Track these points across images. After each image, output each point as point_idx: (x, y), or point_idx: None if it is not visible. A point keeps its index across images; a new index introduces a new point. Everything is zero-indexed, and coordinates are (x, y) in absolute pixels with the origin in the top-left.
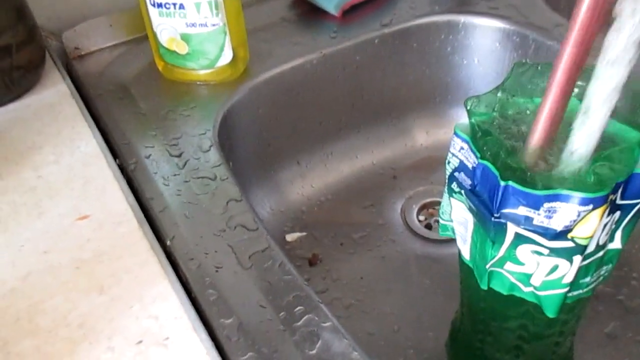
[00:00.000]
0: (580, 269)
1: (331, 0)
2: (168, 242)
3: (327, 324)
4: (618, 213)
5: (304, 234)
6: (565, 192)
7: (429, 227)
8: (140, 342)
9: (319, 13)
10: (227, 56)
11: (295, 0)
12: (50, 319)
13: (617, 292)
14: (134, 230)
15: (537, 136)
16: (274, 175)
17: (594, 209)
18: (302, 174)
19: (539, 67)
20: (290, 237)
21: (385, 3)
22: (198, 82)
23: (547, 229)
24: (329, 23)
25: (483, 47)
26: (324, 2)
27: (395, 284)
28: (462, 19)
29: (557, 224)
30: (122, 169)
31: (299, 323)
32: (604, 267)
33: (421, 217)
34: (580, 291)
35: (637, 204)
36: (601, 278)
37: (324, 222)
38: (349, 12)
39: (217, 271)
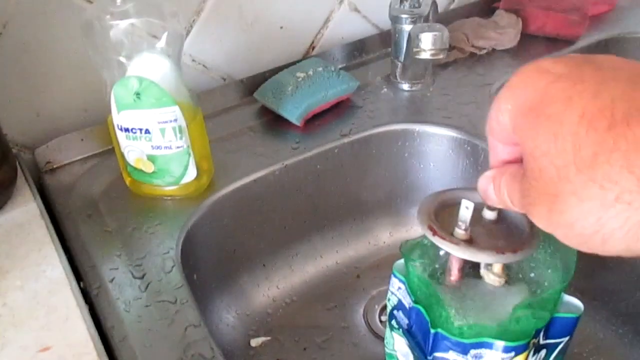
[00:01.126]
0: None
1: (294, 112)
2: None
3: None
4: (543, 351)
5: (269, 338)
6: (488, 340)
7: None
8: None
9: (282, 122)
10: (191, 174)
11: (261, 109)
12: None
13: None
14: None
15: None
16: (240, 279)
17: (516, 355)
18: (268, 276)
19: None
20: (254, 342)
21: (345, 112)
22: (164, 197)
23: None
24: (291, 133)
25: (438, 153)
26: (287, 114)
27: None
28: (417, 127)
29: None
30: (86, 294)
31: None
32: None
33: (383, 318)
34: None
35: (560, 342)
36: None
37: (289, 326)
38: (310, 121)
39: None
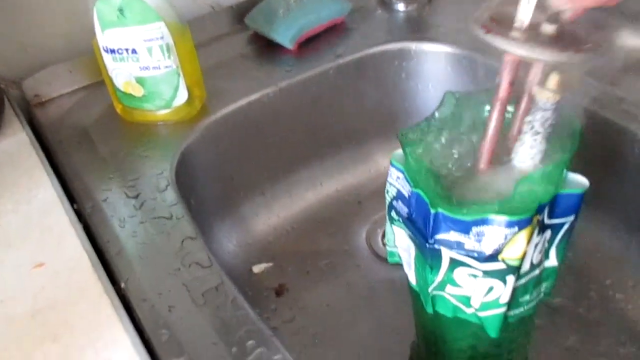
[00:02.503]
0: (517, 288)
1: (286, 35)
2: (122, 285)
3: (278, 356)
4: (549, 232)
5: (271, 264)
6: (490, 216)
7: None
8: None
9: (275, 48)
10: (182, 96)
11: (252, 36)
12: None
13: (575, 304)
14: (88, 275)
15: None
16: (239, 207)
17: (519, 230)
18: (268, 205)
19: (470, 96)
20: (257, 269)
21: (339, 34)
22: (156, 123)
23: (478, 252)
24: (285, 57)
25: (435, 71)
26: (279, 37)
27: (361, 309)
28: (413, 46)
29: (487, 247)
30: (80, 214)
31: (250, 357)
32: (543, 285)
33: (386, 241)
34: (522, 309)
35: (565, 222)
36: (542, 295)
37: (291, 252)
38: (304, 45)
39: (170, 311)
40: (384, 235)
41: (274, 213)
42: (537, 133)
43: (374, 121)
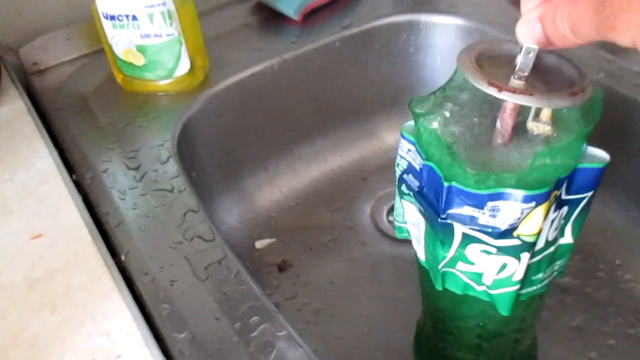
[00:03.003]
0: (530, 265)
1: (291, 5)
2: (123, 257)
3: (282, 333)
4: (565, 208)
5: (274, 240)
6: (507, 190)
7: None
8: None
9: (279, 18)
10: (184, 65)
11: (256, 5)
12: (1, 339)
13: (583, 284)
14: (87, 246)
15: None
16: (242, 182)
17: (537, 205)
18: (271, 180)
19: None
20: (259, 244)
21: (346, 5)
22: (157, 93)
23: (492, 227)
24: (289, 28)
25: (445, 45)
26: (284, 7)
27: (365, 286)
28: (423, 18)
29: (502, 223)
30: (78, 185)
31: (254, 334)
32: (557, 262)
33: (391, 218)
34: (534, 287)
35: (583, 198)
36: (555, 273)
37: (294, 227)
38: (309, 16)
39: (172, 285)
40: (389, 212)
41: (277, 188)
42: None
43: (381, 96)
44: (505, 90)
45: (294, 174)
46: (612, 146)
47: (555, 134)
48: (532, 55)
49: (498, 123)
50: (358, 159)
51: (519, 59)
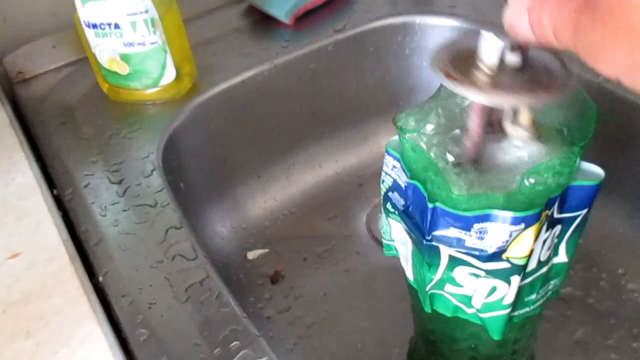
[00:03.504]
0: (523, 287)
1: (282, 8)
2: (100, 278)
3: (264, 359)
4: (558, 227)
5: (266, 250)
6: (494, 211)
7: None
8: None
9: (270, 22)
10: (170, 74)
11: (247, 9)
12: None
13: (585, 295)
14: (65, 267)
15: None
16: (234, 190)
17: (526, 227)
18: (264, 188)
19: None
20: (251, 255)
21: (339, 8)
22: (144, 102)
23: (480, 250)
24: (281, 31)
25: None
26: (275, 10)
27: (360, 298)
28: (418, 19)
29: (490, 245)
30: (59, 200)
31: None
32: (552, 282)
33: None
34: (527, 309)
35: (577, 216)
36: (550, 293)
37: (287, 237)
38: (301, 19)
39: (150, 307)
40: None
41: (271, 196)
42: None
43: (375, 100)
44: (464, 83)
45: (288, 182)
46: (614, 151)
47: (544, 150)
48: (497, 49)
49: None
50: (354, 165)
51: (482, 51)
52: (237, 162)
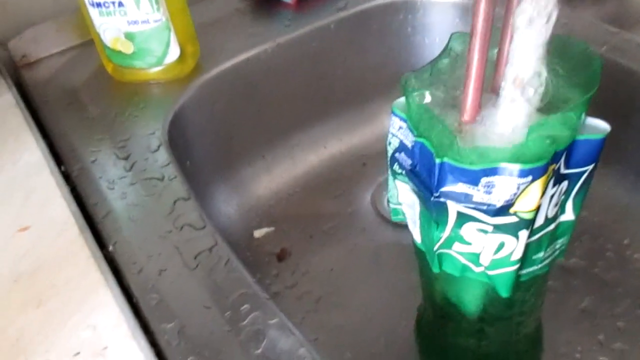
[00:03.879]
0: (530, 244)
1: None
2: (110, 248)
3: (274, 320)
4: (565, 183)
5: (272, 229)
6: (502, 164)
7: None
8: (78, 353)
9: (273, 2)
10: (174, 53)
11: None
12: None
13: (591, 265)
14: (74, 239)
15: (468, 111)
16: (239, 171)
17: (534, 180)
18: (268, 168)
19: None
20: (257, 233)
21: None
22: (148, 82)
23: (488, 205)
24: (283, 11)
25: (443, 24)
26: None
27: (366, 273)
28: None
29: (497, 199)
30: (67, 177)
31: (244, 322)
32: (559, 241)
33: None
34: (535, 267)
35: (584, 172)
36: (557, 252)
37: (293, 216)
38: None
39: (160, 274)
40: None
41: (275, 176)
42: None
43: (379, 79)
44: None
45: (292, 162)
46: (617, 121)
47: (550, 102)
48: None
49: None
50: (357, 145)
51: None
52: (242, 142)
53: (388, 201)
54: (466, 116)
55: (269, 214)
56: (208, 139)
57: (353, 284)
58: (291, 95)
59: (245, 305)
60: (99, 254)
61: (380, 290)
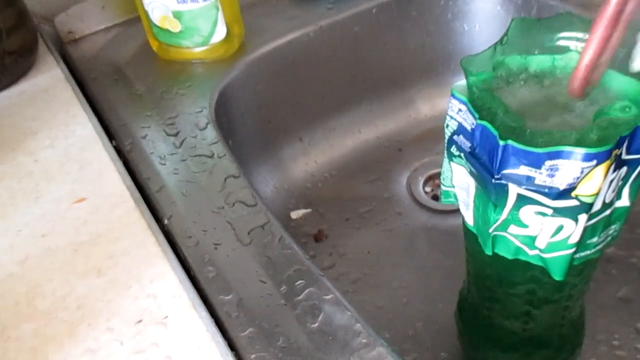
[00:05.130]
0: (586, 228)
1: None
2: (166, 221)
3: (329, 296)
4: (624, 169)
5: (309, 210)
6: (567, 148)
7: (435, 198)
8: (140, 321)
9: None
10: (220, 32)
11: None
12: (49, 302)
13: (630, 254)
14: (130, 211)
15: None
16: (277, 152)
17: (597, 164)
18: (305, 151)
19: (540, 22)
20: (295, 215)
21: None
22: (193, 61)
23: (550, 188)
24: None
25: (484, 11)
26: None
27: (403, 256)
28: None
29: (560, 182)
30: (119, 151)
31: (300, 297)
32: (612, 227)
33: (427, 189)
34: (588, 252)
35: None
36: (609, 238)
37: (329, 198)
38: None
39: (215, 248)
40: (425, 183)
41: (312, 159)
42: None
43: (417, 65)
44: None
45: (329, 145)
46: None
47: (617, 87)
48: None
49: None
50: (393, 130)
51: None
52: (281, 124)
53: (440, 183)
54: (574, 91)
55: (305, 196)
56: (249, 120)
57: (390, 267)
58: (330, 79)
59: (300, 281)
60: (155, 226)
61: (417, 273)
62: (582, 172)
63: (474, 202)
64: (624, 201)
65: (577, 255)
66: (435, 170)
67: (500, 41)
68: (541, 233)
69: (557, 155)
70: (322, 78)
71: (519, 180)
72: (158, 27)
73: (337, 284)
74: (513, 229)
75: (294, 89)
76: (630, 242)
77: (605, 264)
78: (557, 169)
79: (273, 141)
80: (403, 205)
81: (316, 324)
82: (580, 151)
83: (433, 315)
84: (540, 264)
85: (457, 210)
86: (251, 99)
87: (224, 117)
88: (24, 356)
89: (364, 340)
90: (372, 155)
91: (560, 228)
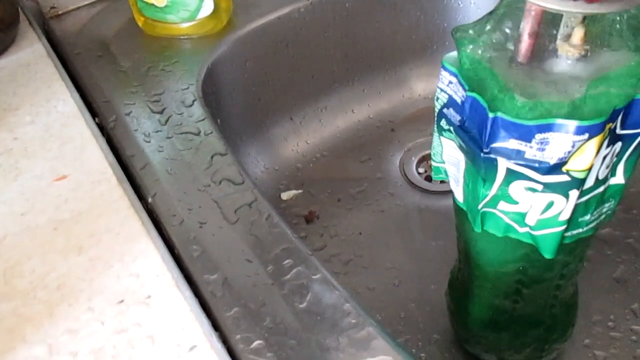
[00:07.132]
0: (578, 205)
1: None
2: (149, 199)
3: (317, 275)
4: (619, 144)
5: (300, 191)
6: (558, 120)
7: (428, 179)
8: (121, 301)
9: None
10: (207, 7)
11: None
12: (28, 281)
13: (626, 235)
14: (113, 188)
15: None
16: (267, 132)
17: (590, 138)
18: (296, 130)
19: None
20: (285, 195)
21: None
22: (180, 37)
23: (540, 162)
24: None
25: None
26: None
27: (395, 237)
28: None
29: (551, 157)
30: (102, 128)
31: (287, 276)
32: (606, 205)
33: (420, 170)
34: (580, 230)
35: (638, 134)
36: (603, 216)
37: (321, 179)
38: None
39: (201, 227)
40: (418, 163)
41: (303, 139)
42: None
43: (410, 42)
44: None
45: (320, 125)
46: None
47: (611, 58)
48: None
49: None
50: (386, 110)
51: None
52: (271, 103)
53: (431, 162)
54: (521, 57)
55: (296, 177)
56: (238, 98)
57: (382, 248)
58: (321, 56)
59: (288, 260)
60: (138, 204)
61: (408, 254)
62: (573, 146)
63: (464, 177)
64: (619, 178)
65: (569, 233)
66: (429, 151)
67: (493, 11)
68: (531, 210)
69: (547, 128)
70: (314, 55)
71: (508, 154)
72: (143, 1)
73: (329, 265)
74: (503, 205)
75: (285, 67)
76: (626, 223)
77: (600, 244)
78: (547, 143)
79: (263, 120)
80: (396, 186)
81: (304, 304)
82: (572, 123)
83: (425, 296)
84: (530, 241)
85: (450, 191)
86: (240, 76)
87: (212, 95)
88: (1, 337)
89: (353, 320)
90: (364, 136)
91: (550, 204)
